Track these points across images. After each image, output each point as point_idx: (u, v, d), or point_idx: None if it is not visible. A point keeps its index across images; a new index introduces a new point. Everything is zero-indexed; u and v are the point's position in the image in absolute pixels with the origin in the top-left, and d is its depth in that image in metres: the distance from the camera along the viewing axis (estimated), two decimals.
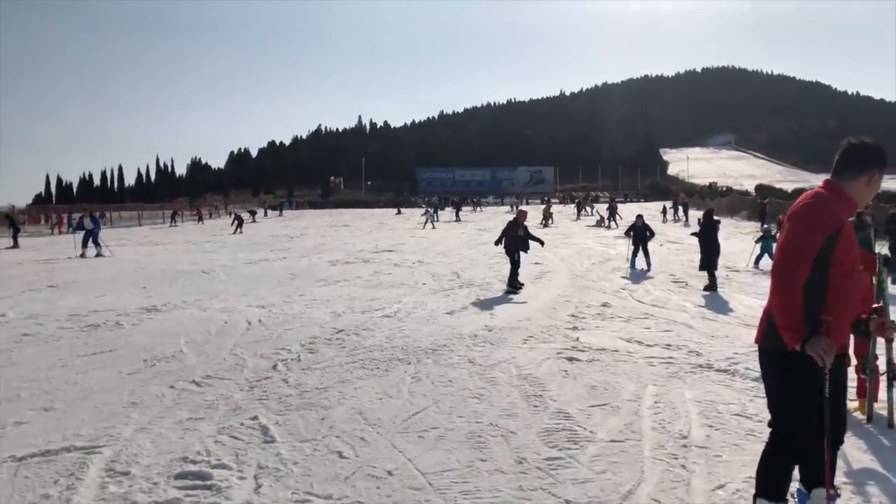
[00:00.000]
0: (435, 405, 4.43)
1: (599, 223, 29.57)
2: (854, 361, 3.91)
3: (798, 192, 33.13)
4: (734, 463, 3.37)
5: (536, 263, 12.97)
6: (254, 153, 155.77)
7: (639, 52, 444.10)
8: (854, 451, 3.53)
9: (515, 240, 10.36)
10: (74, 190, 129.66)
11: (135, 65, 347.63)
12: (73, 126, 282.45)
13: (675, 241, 19.37)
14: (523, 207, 17.88)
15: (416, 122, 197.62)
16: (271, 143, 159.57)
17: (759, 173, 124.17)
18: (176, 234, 29.23)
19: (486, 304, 8.77)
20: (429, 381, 5.02)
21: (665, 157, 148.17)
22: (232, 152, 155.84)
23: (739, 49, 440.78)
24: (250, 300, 9.24)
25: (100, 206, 53.89)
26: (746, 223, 29.69)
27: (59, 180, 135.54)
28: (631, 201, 70.05)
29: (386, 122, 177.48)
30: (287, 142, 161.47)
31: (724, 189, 67.76)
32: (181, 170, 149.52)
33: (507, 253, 10.38)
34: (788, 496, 2.57)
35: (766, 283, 2.38)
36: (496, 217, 39.25)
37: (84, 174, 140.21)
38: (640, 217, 13.15)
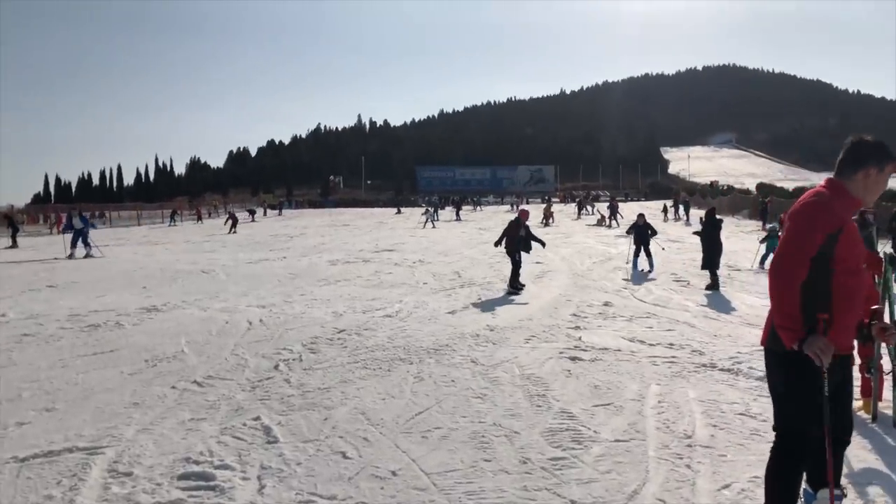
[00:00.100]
0: (438, 405, 4.42)
1: (600, 222, 29.56)
2: (858, 360, 3.89)
3: (799, 190, 33.15)
4: (739, 462, 3.36)
5: (537, 263, 12.94)
6: (253, 152, 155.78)
7: (639, 50, 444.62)
8: (859, 451, 3.52)
9: (517, 240, 10.24)
10: (73, 189, 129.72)
11: (133, 64, 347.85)
12: (72, 125, 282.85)
13: (677, 239, 19.34)
14: (525, 207, 17.87)
15: (416, 120, 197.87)
16: (270, 143, 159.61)
17: (760, 172, 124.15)
18: (175, 234, 29.22)
19: (487, 304, 8.75)
20: (431, 381, 5.01)
21: (666, 156, 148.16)
22: (231, 151, 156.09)
23: (740, 48, 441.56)
24: (251, 300, 9.23)
25: (99, 205, 54.02)
26: (748, 222, 29.69)
27: (58, 180, 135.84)
28: (632, 200, 69.97)
29: (386, 121, 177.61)
30: (286, 141, 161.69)
31: (725, 188, 67.73)
32: (180, 169, 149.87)
33: (508, 253, 10.26)
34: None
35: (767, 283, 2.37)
36: (496, 216, 39.25)
37: (83, 174, 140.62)
38: (641, 216, 13.00)
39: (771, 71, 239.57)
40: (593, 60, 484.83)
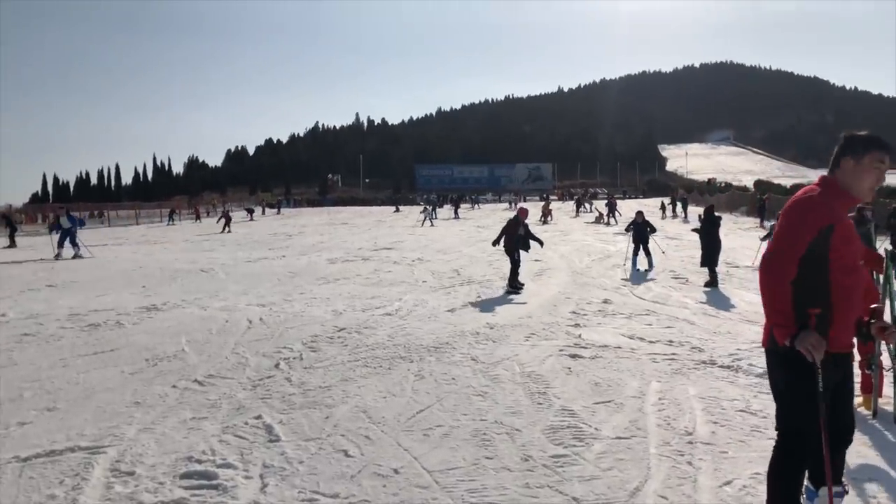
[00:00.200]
0: (439, 403, 4.43)
1: (598, 220, 29.60)
2: (858, 357, 3.90)
3: (796, 187, 33.25)
4: (740, 459, 3.37)
5: (536, 261, 12.95)
6: (251, 151, 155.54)
7: (637, 48, 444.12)
8: (859, 447, 3.52)
9: (516, 238, 10.19)
10: (71, 189, 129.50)
11: (131, 64, 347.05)
12: (70, 125, 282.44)
13: (675, 237, 19.37)
14: (523, 205, 17.86)
15: (414, 118, 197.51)
16: (269, 141, 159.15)
17: (758, 169, 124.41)
18: (174, 233, 29.19)
19: (486, 302, 8.76)
20: (432, 379, 5.02)
21: (663, 153, 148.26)
22: (229, 150, 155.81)
23: (737, 45, 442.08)
24: (250, 299, 9.23)
25: (97, 205, 53.92)
26: (745, 219, 29.74)
27: (56, 179, 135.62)
28: (629, 198, 70.01)
29: (384, 120, 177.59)
30: (284, 139, 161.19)
31: (723, 185, 67.82)
32: (178, 168, 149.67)
33: (507, 252, 10.21)
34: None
35: None
36: (494, 214, 39.28)
37: (81, 173, 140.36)
38: (640, 213, 12.94)
39: (768, 68, 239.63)
40: (591, 58, 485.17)
